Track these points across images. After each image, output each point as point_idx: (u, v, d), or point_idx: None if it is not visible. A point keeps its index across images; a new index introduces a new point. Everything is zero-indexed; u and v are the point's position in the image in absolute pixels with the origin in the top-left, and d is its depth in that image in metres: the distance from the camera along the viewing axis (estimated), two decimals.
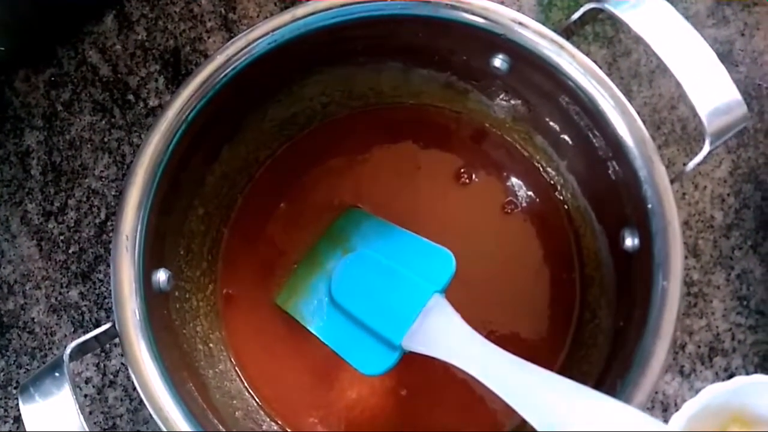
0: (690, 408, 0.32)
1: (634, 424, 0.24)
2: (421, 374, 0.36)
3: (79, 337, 0.29)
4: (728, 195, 0.41)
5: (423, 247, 0.36)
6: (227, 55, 0.31)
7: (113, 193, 0.41)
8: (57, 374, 0.26)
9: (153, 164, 0.30)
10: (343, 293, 0.36)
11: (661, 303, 0.28)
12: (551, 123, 0.36)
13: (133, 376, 0.28)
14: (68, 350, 0.28)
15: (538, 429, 0.26)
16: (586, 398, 0.26)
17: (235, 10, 0.43)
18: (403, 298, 0.33)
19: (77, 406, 0.26)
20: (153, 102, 0.42)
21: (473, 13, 0.31)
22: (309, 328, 0.36)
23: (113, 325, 0.29)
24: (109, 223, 0.41)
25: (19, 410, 0.38)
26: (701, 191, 0.41)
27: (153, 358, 0.28)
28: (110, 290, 0.39)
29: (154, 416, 0.28)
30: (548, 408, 0.26)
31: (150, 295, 0.30)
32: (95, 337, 0.29)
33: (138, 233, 0.29)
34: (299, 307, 0.37)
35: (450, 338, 0.31)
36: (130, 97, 0.42)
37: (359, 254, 0.36)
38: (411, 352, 0.33)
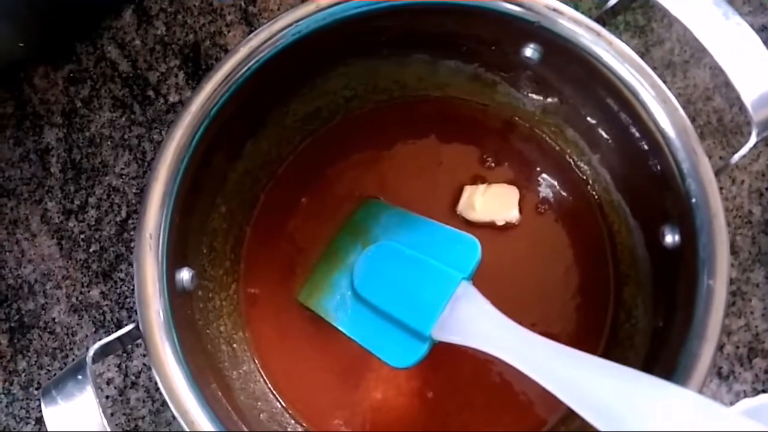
0: (743, 406, 0.30)
1: (718, 423, 0.22)
2: (449, 376, 0.35)
3: (100, 337, 0.28)
4: (767, 189, 0.39)
5: (446, 235, 0.35)
6: (250, 48, 0.30)
7: (134, 190, 0.41)
8: (80, 377, 0.26)
9: (176, 161, 0.29)
10: (366, 286, 0.35)
11: (706, 303, 0.27)
12: (584, 115, 0.35)
13: (157, 378, 0.27)
14: (91, 352, 0.27)
15: (589, 420, 0.24)
16: (648, 387, 0.23)
17: (255, 3, 0.42)
18: (429, 287, 0.32)
19: (100, 409, 0.25)
20: (173, 98, 0.42)
21: (506, 0, 0.30)
22: (333, 323, 0.35)
23: (136, 326, 0.28)
24: (130, 222, 0.40)
25: (41, 411, 0.38)
26: (738, 186, 0.39)
27: (178, 360, 0.27)
28: (132, 290, 0.39)
29: (179, 419, 0.27)
30: (606, 398, 0.24)
31: (174, 294, 0.29)
32: (118, 338, 0.28)
33: (161, 231, 0.28)
34: (322, 302, 0.36)
35: (483, 325, 0.30)
36: (150, 92, 0.42)
37: (381, 246, 0.35)
38: (441, 343, 0.32)
